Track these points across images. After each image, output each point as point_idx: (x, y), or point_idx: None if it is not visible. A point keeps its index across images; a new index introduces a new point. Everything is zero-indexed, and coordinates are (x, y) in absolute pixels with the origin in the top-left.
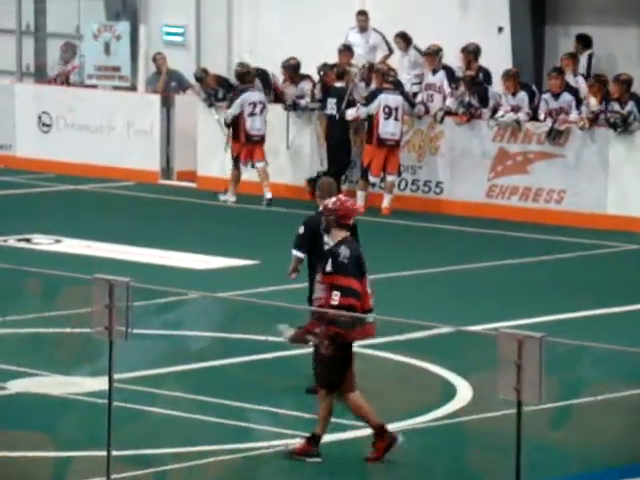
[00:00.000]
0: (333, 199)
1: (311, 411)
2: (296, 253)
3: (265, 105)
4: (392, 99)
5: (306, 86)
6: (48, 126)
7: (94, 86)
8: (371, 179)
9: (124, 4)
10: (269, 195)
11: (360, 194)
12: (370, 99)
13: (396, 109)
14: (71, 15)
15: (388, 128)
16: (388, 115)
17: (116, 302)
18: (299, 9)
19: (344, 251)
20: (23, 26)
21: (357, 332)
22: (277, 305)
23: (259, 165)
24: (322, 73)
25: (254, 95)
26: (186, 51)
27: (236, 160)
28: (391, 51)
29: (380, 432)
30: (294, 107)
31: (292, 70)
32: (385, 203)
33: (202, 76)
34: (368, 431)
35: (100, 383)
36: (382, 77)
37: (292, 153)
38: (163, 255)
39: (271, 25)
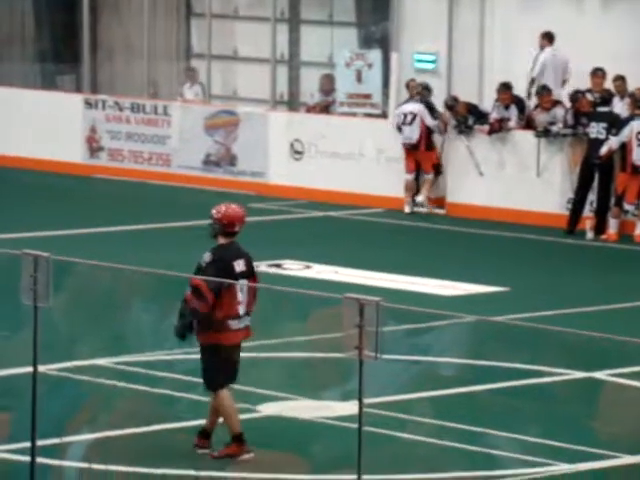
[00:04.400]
0: (217, 209)
1: (559, 439)
2: None
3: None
4: None
5: (558, 112)
6: (300, 153)
7: (345, 113)
8: (626, 207)
9: (377, 32)
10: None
11: (613, 222)
12: (621, 126)
13: None
14: (324, 44)
15: None
16: None
17: (366, 323)
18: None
19: (206, 256)
20: (277, 55)
21: (213, 336)
22: (530, 327)
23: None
24: (575, 99)
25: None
26: (437, 78)
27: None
28: None
29: (237, 440)
30: (545, 134)
31: (546, 96)
32: (638, 230)
33: (453, 104)
34: None
35: (349, 407)
36: (635, 103)
37: (542, 181)
38: (411, 281)
39: (523, 51)
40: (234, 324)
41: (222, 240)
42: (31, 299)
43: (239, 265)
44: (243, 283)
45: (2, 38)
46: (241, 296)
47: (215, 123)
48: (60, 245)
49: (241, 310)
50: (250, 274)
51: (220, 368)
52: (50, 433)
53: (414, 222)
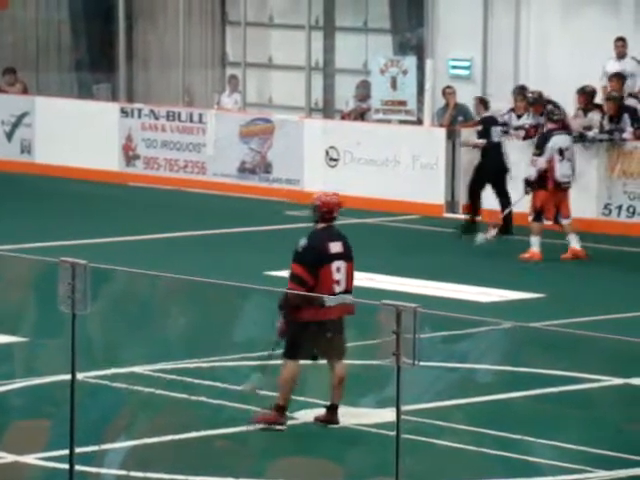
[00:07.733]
0: (317, 197)
1: (597, 446)
2: None
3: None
4: None
5: (595, 117)
6: (335, 160)
7: (381, 120)
8: (563, 221)
9: (412, 38)
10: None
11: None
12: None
13: None
14: (359, 51)
15: None
16: None
17: (403, 330)
18: (588, 38)
19: (302, 242)
20: (312, 62)
21: (310, 313)
22: (567, 333)
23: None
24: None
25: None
26: (472, 84)
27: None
28: None
29: (278, 409)
30: (581, 139)
31: (589, 97)
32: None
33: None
34: None
35: (386, 414)
36: (548, 116)
37: (578, 186)
38: (447, 288)
39: (559, 57)
40: (330, 301)
41: (321, 225)
42: (69, 307)
43: (335, 247)
44: (339, 264)
45: (39, 47)
46: (337, 275)
47: (250, 131)
48: (97, 253)
49: (337, 288)
50: (347, 256)
51: (305, 341)
52: (88, 440)
53: (450, 229)
